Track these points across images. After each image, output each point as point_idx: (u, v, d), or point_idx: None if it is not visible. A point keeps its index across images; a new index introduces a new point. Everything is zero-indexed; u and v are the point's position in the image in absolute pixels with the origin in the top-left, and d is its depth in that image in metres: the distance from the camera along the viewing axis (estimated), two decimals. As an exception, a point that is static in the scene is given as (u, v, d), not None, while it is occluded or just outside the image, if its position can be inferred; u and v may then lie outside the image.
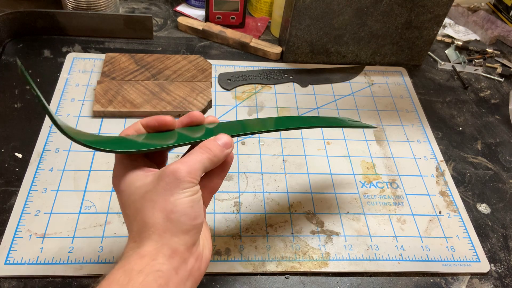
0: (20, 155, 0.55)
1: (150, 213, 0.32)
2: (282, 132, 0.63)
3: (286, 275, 0.48)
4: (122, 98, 0.62)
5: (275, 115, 0.65)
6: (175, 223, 0.32)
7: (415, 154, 0.62)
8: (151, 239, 0.31)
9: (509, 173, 0.62)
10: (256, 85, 0.69)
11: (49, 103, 0.61)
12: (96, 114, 0.60)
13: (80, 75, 0.66)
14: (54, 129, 0.58)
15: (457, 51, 0.81)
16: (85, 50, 0.71)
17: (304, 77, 0.72)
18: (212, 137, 0.36)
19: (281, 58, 0.75)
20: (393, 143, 0.63)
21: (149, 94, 0.63)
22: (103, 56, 0.69)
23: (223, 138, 0.36)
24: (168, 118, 0.37)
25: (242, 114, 0.64)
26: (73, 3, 0.71)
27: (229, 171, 0.39)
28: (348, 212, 0.54)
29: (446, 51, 0.82)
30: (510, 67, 0.81)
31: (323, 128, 0.63)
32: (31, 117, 0.60)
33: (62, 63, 0.68)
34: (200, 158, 0.34)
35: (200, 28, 0.76)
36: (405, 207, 0.56)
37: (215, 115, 0.63)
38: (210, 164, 0.35)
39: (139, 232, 0.32)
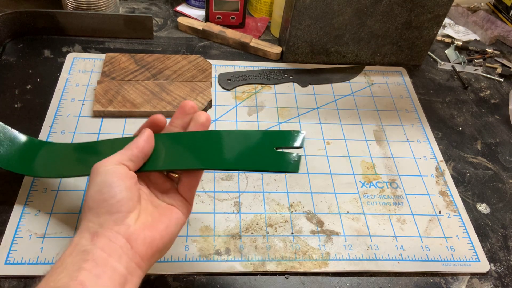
0: (20, 155, 0.55)
1: (84, 203, 0.36)
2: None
3: (286, 275, 0.48)
4: (122, 98, 0.62)
5: (275, 115, 0.65)
6: (86, 209, 0.35)
7: (415, 154, 0.62)
8: (78, 230, 0.35)
9: (509, 173, 0.62)
10: (256, 85, 0.69)
11: (49, 103, 0.61)
12: (96, 114, 0.60)
13: (80, 75, 0.66)
14: (54, 129, 0.58)
15: (457, 51, 0.81)
16: (85, 50, 0.71)
17: (304, 77, 0.72)
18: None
19: (281, 58, 0.75)
20: (393, 143, 0.63)
21: (149, 94, 0.63)
22: (103, 56, 0.69)
23: (144, 133, 0.39)
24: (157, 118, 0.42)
25: (242, 114, 0.64)
26: (73, 3, 0.71)
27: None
28: (348, 212, 0.54)
29: (446, 51, 0.82)
30: (510, 67, 0.81)
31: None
32: (31, 117, 0.60)
33: (62, 63, 0.68)
34: (122, 151, 0.38)
35: (200, 28, 0.76)
36: (405, 207, 0.56)
37: (215, 115, 0.63)
38: (132, 152, 0.38)
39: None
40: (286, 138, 0.40)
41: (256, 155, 0.40)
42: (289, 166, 0.38)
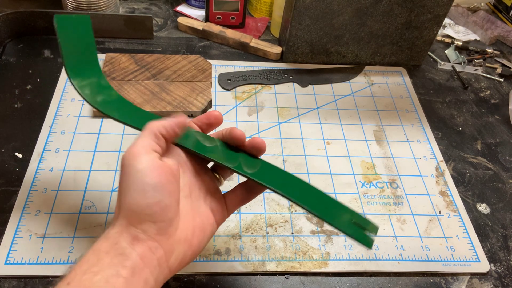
0: (20, 155, 0.55)
1: (119, 197, 0.33)
2: (282, 131, 0.63)
3: (286, 275, 0.48)
4: (122, 98, 0.62)
5: (275, 115, 0.65)
6: (129, 212, 0.32)
7: (415, 154, 0.62)
8: (117, 222, 0.33)
9: (509, 173, 0.62)
10: (256, 85, 0.69)
11: (49, 103, 0.61)
12: (96, 114, 0.60)
13: (80, 75, 0.66)
14: (54, 129, 0.58)
15: (457, 51, 0.81)
16: (85, 50, 0.71)
17: (304, 77, 0.72)
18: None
19: (281, 58, 0.75)
20: (393, 143, 0.63)
21: (149, 94, 0.63)
22: (103, 56, 0.69)
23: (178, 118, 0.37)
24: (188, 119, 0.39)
25: (242, 114, 0.64)
26: (73, 3, 0.71)
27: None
28: (348, 212, 0.54)
29: (446, 51, 0.82)
30: (510, 67, 0.81)
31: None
32: (31, 117, 0.60)
33: (62, 63, 0.68)
34: (145, 133, 0.35)
35: (200, 28, 0.76)
36: (405, 207, 0.56)
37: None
38: (161, 128, 0.35)
39: (114, 215, 0.34)
40: (364, 222, 0.39)
41: (332, 212, 0.39)
42: (366, 240, 0.38)
